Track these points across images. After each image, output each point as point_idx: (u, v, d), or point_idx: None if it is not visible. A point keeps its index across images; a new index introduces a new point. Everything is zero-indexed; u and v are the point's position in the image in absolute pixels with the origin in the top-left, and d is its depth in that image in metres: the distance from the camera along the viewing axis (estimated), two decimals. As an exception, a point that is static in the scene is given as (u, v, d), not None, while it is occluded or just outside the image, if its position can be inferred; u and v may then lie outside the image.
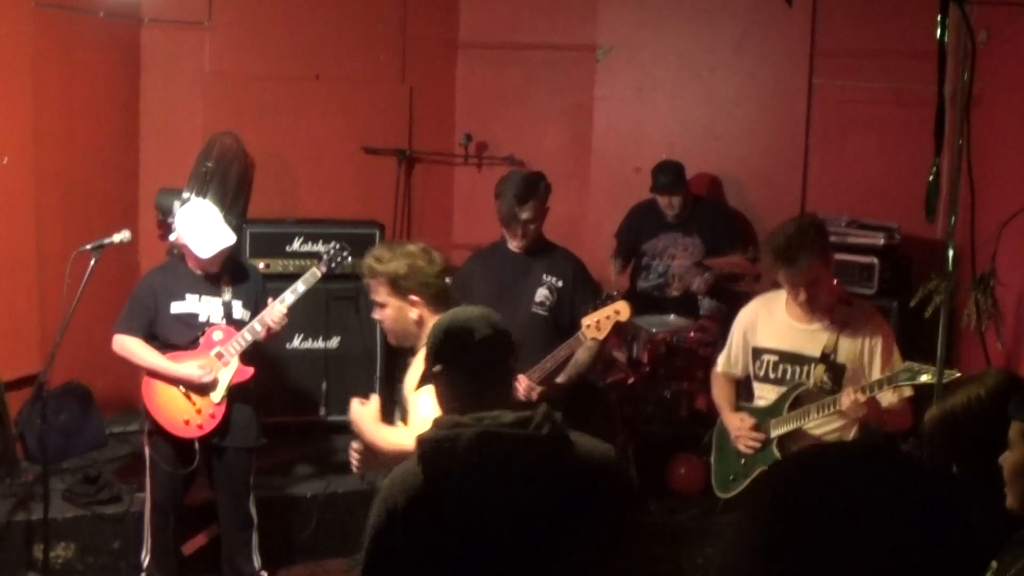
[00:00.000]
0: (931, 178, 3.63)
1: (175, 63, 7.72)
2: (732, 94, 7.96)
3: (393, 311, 4.17)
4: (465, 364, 3.03)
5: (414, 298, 4.13)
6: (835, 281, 4.91)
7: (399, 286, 4.13)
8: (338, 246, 5.89)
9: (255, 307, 5.73)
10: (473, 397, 2.96)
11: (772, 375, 4.97)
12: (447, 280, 4.28)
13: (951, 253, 3.89)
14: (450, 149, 8.40)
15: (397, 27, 8.21)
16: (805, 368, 4.84)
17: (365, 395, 4.12)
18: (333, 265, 5.86)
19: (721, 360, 5.30)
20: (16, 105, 6.53)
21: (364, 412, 4.03)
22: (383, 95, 8.21)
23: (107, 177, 7.44)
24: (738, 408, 5.17)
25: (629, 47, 8.14)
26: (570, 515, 2.81)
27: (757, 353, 5.04)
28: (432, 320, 4.02)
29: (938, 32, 3.56)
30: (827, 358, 4.75)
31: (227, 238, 5.60)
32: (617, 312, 5.22)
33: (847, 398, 4.51)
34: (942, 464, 3.13)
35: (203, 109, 7.69)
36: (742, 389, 5.32)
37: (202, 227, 5.56)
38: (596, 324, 5.21)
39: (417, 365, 3.92)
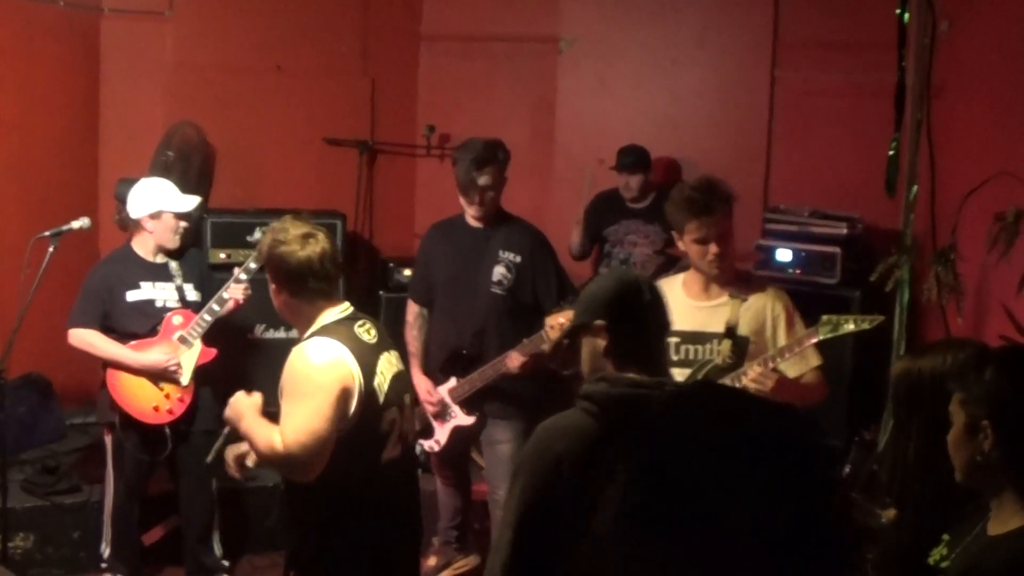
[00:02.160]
0: (891, 152, 3.66)
1: (136, 53, 7.64)
2: (695, 86, 7.96)
3: (272, 291, 3.99)
4: (636, 321, 3.08)
5: (273, 284, 3.93)
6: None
7: (269, 266, 3.94)
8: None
9: (203, 288, 5.75)
10: (641, 353, 3.05)
11: (675, 357, 4.59)
12: (318, 269, 3.85)
13: (911, 220, 3.88)
14: (412, 140, 8.36)
15: (359, 18, 8.18)
16: (708, 346, 4.59)
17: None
18: None
19: None
20: (-27, 93, 6.46)
21: (247, 403, 3.90)
22: (345, 86, 8.17)
23: (66, 167, 7.36)
24: None
25: (591, 39, 8.12)
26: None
27: None
28: (307, 309, 3.89)
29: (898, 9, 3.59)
30: (732, 332, 4.54)
31: (195, 197, 5.76)
32: None
33: (752, 371, 4.36)
34: (904, 422, 3.02)
35: (164, 100, 7.62)
36: None
37: (168, 190, 5.66)
38: (561, 326, 4.83)
39: (293, 359, 3.76)
